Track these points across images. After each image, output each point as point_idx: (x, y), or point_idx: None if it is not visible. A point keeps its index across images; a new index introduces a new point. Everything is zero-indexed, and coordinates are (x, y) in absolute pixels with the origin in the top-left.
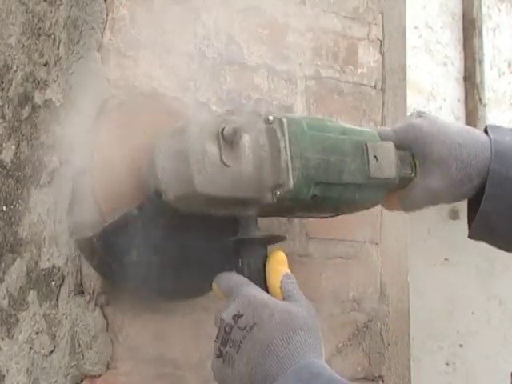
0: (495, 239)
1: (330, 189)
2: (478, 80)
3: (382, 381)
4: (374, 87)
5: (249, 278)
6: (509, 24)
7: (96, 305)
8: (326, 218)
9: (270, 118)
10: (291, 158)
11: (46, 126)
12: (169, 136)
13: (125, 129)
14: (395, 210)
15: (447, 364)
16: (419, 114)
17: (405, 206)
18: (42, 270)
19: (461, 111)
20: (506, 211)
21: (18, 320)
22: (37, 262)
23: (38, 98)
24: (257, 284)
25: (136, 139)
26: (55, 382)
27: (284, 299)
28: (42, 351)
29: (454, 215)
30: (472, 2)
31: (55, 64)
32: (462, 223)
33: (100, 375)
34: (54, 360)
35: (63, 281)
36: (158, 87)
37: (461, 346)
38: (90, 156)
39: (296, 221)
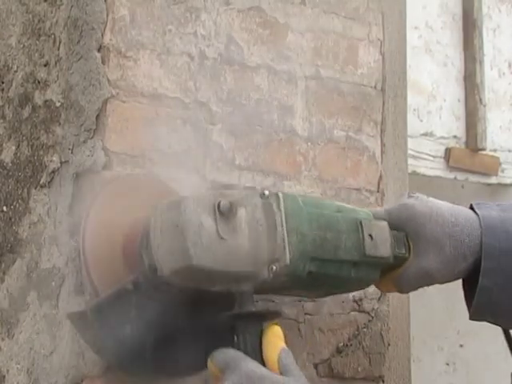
0: (497, 316)
1: (325, 265)
2: (478, 80)
3: (383, 381)
4: (375, 87)
5: (245, 352)
6: (509, 24)
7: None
8: (322, 297)
9: (266, 192)
10: (287, 232)
11: (46, 127)
12: (164, 209)
13: (119, 202)
14: (390, 291)
15: (447, 364)
16: (410, 195)
17: (399, 287)
18: (43, 270)
19: (461, 111)
20: (504, 285)
21: (18, 320)
22: (37, 263)
23: (38, 99)
24: (253, 359)
25: (130, 212)
26: (55, 382)
27: (281, 374)
28: (43, 351)
29: None
30: (472, 3)
31: (55, 64)
32: None
33: (100, 376)
34: (54, 360)
35: (63, 281)
36: (159, 87)
37: (461, 346)
38: (82, 228)
39: None
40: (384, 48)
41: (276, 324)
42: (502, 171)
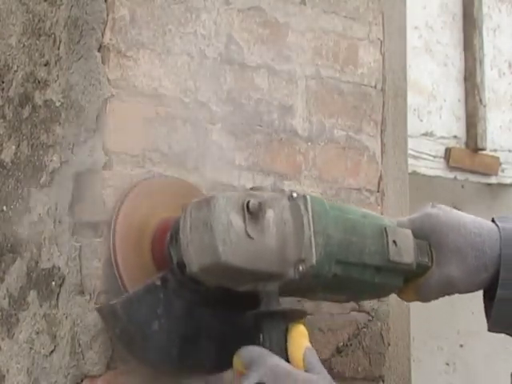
0: None
1: (350, 268)
2: (478, 80)
3: (383, 381)
4: (375, 87)
5: (270, 350)
6: (509, 24)
7: (96, 304)
8: (346, 302)
9: (294, 194)
10: (314, 233)
11: (46, 126)
12: (194, 208)
13: (147, 202)
14: (411, 300)
15: (447, 364)
16: (433, 205)
17: (421, 295)
18: (43, 269)
19: (461, 111)
20: None
21: (18, 320)
22: (37, 262)
23: (38, 98)
24: (279, 356)
25: (158, 212)
26: (55, 382)
27: (306, 371)
28: (43, 351)
29: None
30: (472, 3)
31: (55, 64)
32: None
33: (100, 375)
34: (54, 360)
35: (63, 281)
36: (159, 87)
37: (461, 346)
38: (112, 227)
39: None
40: (384, 48)
41: (301, 323)
42: (502, 171)
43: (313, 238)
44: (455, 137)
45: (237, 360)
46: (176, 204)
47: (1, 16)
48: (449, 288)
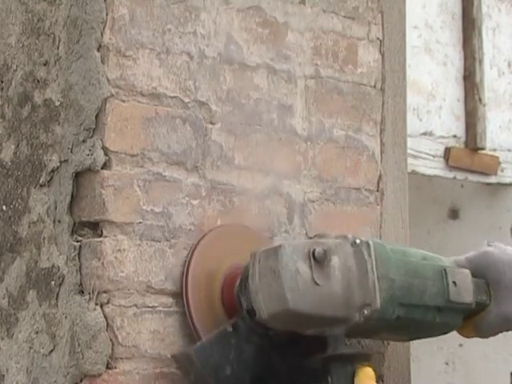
0: None
1: (412, 310)
2: (477, 80)
3: (382, 380)
4: (374, 87)
5: None
6: (509, 24)
7: (96, 304)
8: (408, 341)
9: (357, 241)
10: (378, 278)
11: (45, 126)
12: (262, 256)
13: (217, 250)
14: (471, 336)
15: (447, 364)
16: (490, 243)
17: (480, 332)
18: (42, 269)
19: (460, 111)
20: None
21: (17, 319)
22: (36, 262)
23: (37, 98)
24: None
25: (227, 259)
26: (55, 381)
27: None
28: (42, 351)
29: (454, 215)
30: (472, 2)
31: (55, 63)
32: (462, 223)
33: (99, 375)
34: (53, 359)
35: (63, 280)
36: (158, 87)
37: (460, 345)
38: (184, 275)
39: (296, 220)
40: (383, 47)
41: (367, 365)
42: (502, 171)
43: (376, 283)
44: (454, 136)
45: None
46: (242, 251)
47: (0, 16)
48: (507, 325)
